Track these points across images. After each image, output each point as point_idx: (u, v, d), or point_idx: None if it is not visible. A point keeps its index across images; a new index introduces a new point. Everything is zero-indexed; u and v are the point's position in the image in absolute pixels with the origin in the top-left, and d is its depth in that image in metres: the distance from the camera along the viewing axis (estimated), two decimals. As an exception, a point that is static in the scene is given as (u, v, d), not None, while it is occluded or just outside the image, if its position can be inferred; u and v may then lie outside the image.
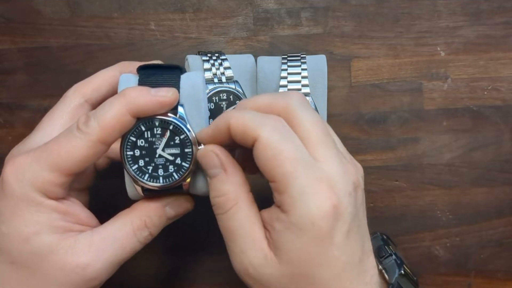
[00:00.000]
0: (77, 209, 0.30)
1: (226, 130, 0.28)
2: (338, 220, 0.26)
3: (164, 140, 0.29)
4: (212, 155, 0.28)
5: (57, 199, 0.28)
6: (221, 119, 0.28)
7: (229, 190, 0.28)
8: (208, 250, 0.41)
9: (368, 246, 0.29)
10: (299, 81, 0.36)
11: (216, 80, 0.37)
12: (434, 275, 0.41)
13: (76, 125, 0.28)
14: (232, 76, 0.37)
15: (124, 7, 0.40)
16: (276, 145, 0.26)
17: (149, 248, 0.40)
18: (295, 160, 0.26)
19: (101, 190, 0.35)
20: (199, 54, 0.38)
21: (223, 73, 0.37)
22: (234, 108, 0.30)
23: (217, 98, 0.36)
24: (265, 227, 0.28)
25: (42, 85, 0.40)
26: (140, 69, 0.30)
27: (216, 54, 0.38)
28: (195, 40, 0.41)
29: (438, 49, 0.41)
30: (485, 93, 0.41)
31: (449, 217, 0.41)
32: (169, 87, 0.29)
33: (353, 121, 0.41)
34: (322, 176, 0.26)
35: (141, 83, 0.30)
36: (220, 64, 0.37)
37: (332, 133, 0.30)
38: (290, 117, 0.27)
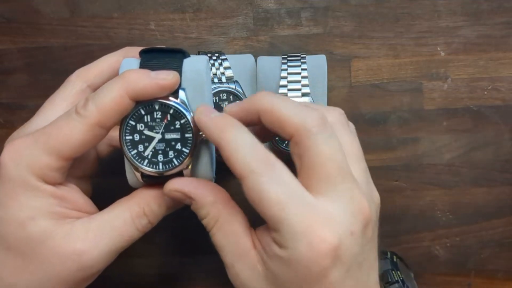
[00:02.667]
0: (75, 195, 0.29)
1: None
2: (335, 262, 0.24)
3: (163, 124, 0.29)
4: (175, 195, 0.28)
5: (54, 184, 0.28)
6: (214, 137, 0.27)
7: (205, 213, 0.28)
8: (207, 250, 0.41)
9: (374, 278, 0.27)
10: (299, 81, 0.36)
11: (216, 80, 0.37)
12: (434, 275, 0.41)
13: (74, 108, 0.27)
14: (232, 76, 0.37)
15: (124, 7, 0.40)
16: (260, 188, 0.25)
17: (149, 248, 0.40)
18: (282, 203, 0.24)
19: (104, 187, 0.35)
20: (199, 54, 0.38)
21: (223, 73, 0.37)
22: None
23: (217, 98, 0.36)
24: (259, 239, 0.27)
25: (42, 85, 0.40)
26: (142, 53, 0.30)
27: (216, 54, 0.38)
28: (195, 40, 0.41)
29: (438, 49, 0.41)
30: (485, 93, 0.41)
31: (449, 217, 0.41)
32: (171, 70, 0.28)
33: (353, 121, 0.40)
34: (317, 215, 0.24)
35: (142, 66, 0.29)
36: (220, 64, 0.37)
37: (357, 159, 0.28)
38: (302, 144, 0.26)
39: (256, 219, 0.27)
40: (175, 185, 0.28)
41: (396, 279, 0.31)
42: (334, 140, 0.26)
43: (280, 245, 0.25)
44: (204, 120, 0.27)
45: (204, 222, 0.28)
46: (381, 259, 0.28)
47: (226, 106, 0.29)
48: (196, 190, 0.28)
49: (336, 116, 0.29)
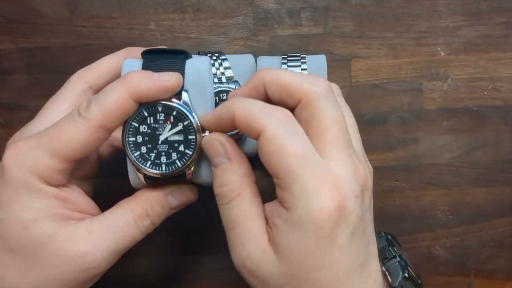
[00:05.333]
0: (78, 197, 0.29)
1: (230, 119, 0.27)
2: (342, 222, 0.25)
3: (168, 126, 0.29)
4: (217, 144, 0.28)
5: (57, 186, 0.28)
6: (226, 107, 0.27)
7: (233, 180, 0.27)
8: (208, 250, 0.41)
9: (373, 249, 0.28)
10: (299, 81, 0.36)
11: (216, 80, 0.37)
12: (434, 275, 0.41)
13: (77, 110, 0.27)
14: (232, 76, 0.37)
15: (124, 7, 0.40)
16: (280, 141, 0.25)
17: (149, 248, 0.41)
18: (300, 158, 0.25)
19: (106, 187, 0.35)
20: (199, 54, 0.38)
21: (223, 73, 0.37)
22: (252, 77, 0.29)
23: (217, 98, 0.36)
24: (267, 221, 0.27)
25: (42, 85, 0.40)
26: (145, 54, 0.30)
27: (216, 54, 0.38)
28: (195, 40, 0.41)
29: (438, 49, 0.41)
30: (485, 93, 0.41)
31: (449, 217, 0.41)
32: (173, 71, 0.28)
33: (353, 121, 0.41)
34: (328, 176, 0.25)
35: (145, 67, 0.29)
36: (220, 64, 0.37)
37: (353, 130, 0.29)
38: (311, 107, 0.26)
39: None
40: (220, 137, 0.28)
41: (394, 254, 0.32)
42: (338, 105, 0.27)
43: (288, 207, 0.25)
44: (213, 111, 0.28)
45: (225, 190, 0.27)
46: (377, 237, 0.29)
47: (230, 92, 0.30)
48: (237, 153, 0.28)
49: (334, 86, 0.30)
